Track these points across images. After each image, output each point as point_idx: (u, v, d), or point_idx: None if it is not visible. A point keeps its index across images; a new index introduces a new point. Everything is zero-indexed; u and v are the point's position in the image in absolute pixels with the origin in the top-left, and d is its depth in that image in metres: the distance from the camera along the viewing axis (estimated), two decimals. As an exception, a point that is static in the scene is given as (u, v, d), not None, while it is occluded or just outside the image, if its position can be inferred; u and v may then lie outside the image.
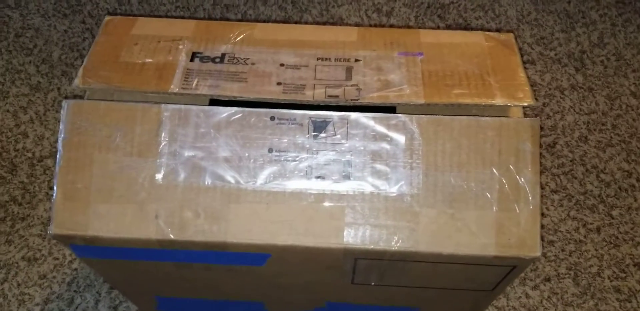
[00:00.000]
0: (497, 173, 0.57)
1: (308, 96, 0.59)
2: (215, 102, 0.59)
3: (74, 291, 0.96)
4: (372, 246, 0.57)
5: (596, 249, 1.04)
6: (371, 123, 0.58)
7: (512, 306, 0.98)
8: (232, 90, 0.59)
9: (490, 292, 0.70)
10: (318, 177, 0.57)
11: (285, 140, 0.57)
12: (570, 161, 1.14)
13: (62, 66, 1.24)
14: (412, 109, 0.59)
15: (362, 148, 0.57)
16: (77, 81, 0.59)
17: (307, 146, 0.57)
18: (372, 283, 0.67)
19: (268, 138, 0.57)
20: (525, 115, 0.60)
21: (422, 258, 0.58)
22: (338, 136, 0.58)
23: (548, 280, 1.00)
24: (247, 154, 0.57)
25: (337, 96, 0.59)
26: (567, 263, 1.02)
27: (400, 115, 0.58)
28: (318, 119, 0.58)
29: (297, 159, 0.57)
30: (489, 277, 0.64)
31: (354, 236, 0.57)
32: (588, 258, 1.03)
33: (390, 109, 0.60)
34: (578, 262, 1.03)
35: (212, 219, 0.56)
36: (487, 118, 0.58)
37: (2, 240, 1.01)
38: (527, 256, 0.57)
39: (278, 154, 0.57)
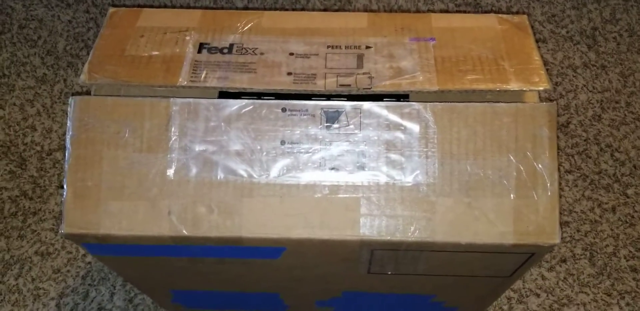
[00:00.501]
0: (514, 160, 0.56)
1: (319, 85, 0.57)
2: (224, 94, 0.58)
3: (89, 284, 0.96)
4: (388, 237, 0.56)
5: (612, 229, 1.03)
6: (384, 112, 0.56)
7: (528, 289, 0.97)
8: (241, 81, 0.58)
9: (507, 278, 0.69)
10: (332, 168, 0.56)
11: (298, 132, 0.56)
12: (584, 140, 1.13)
13: (67, 57, 1.23)
14: (425, 97, 0.58)
15: (376, 138, 0.56)
16: (83, 77, 0.58)
17: (320, 137, 0.56)
18: (389, 273, 0.67)
19: (280, 130, 0.56)
20: (540, 98, 0.59)
21: (439, 247, 0.57)
22: (351, 126, 0.56)
23: (564, 261, 1.00)
24: (259, 147, 0.56)
25: (348, 85, 0.58)
26: (582, 244, 1.02)
27: (413, 103, 0.56)
28: (330, 110, 0.57)
29: (310, 150, 0.56)
30: (507, 264, 0.63)
31: (370, 228, 0.56)
32: (604, 238, 1.02)
33: (404, 96, 0.58)
34: (594, 242, 1.02)
35: (226, 214, 0.56)
36: (503, 104, 0.57)
37: (15, 235, 1.01)
38: (546, 244, 0.56)
39: (291, 146, 0.56)
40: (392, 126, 0.56)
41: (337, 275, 0.68)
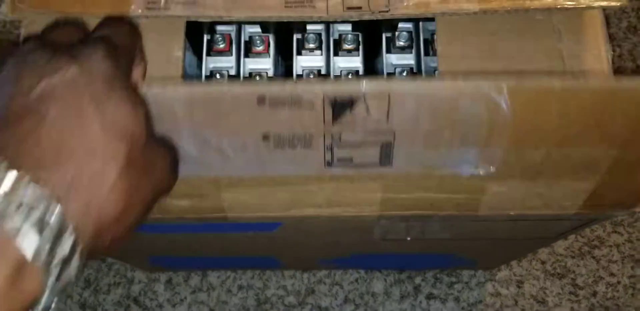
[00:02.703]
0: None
1: (319, 9, 0.42)
2: (193, 25, 0.43)
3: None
4: (416, 211, 0.43)
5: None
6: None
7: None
8: (215, 7, 0.42)
9: (550, 239, 0.58)
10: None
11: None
12: None
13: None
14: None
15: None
16: (4, 8, 0.42)
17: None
18: (408, 239, 0.55)
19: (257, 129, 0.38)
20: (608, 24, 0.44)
21: (481, 219, 0.45)
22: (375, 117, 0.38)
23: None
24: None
25: (359, 8, 0.42)
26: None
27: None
28: (339, 97, 0.37)
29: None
30: (558, 229, 0.52)
31: (392, 199, 0.43)
32: None
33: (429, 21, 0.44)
34: None
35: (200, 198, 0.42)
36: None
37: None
38: (619, 213, 0.44)
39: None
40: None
41: (345, 242, 0.56)
